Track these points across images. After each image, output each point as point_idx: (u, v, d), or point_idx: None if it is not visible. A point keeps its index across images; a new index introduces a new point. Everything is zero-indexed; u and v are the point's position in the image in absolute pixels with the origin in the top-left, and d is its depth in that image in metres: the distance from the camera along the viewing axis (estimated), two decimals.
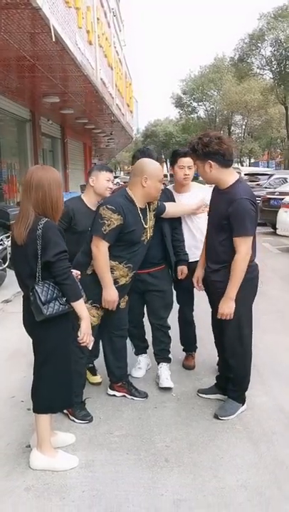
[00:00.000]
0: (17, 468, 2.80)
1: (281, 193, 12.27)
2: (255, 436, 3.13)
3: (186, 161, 3.79)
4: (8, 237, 6.57)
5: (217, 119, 48.05)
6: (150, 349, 4.10)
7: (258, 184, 16.83)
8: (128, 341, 3.82)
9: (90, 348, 2.89)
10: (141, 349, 4.14)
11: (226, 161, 3.13)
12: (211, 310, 3.53)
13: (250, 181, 17.83)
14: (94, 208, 3.52)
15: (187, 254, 3.88)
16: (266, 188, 14.89)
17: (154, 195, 3.33)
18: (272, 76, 36.59)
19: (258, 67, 37.82)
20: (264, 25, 33.84)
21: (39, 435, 2.81)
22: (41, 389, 2.78)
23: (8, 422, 3.33)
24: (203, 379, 3.95)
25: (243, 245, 3.06)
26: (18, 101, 12.67)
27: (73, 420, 3.29)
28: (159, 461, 2.86)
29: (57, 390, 2.78)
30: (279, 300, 6.34)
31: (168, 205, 3.64)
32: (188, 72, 58.15)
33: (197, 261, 3.67)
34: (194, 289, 3.76)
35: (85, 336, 2.76)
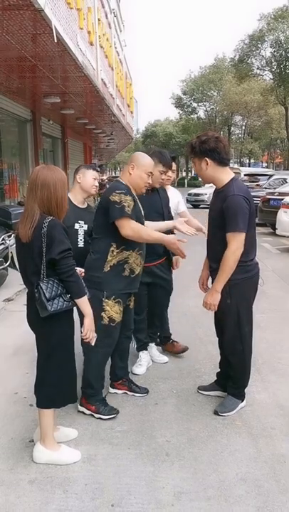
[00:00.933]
0: (21, 462, 2.86)
1: (281, 194, 12.32)
2: (255, 431, 3.18)
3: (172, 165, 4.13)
4: (9, 236, 6.62)
5: (217, 120, 48.20)
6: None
7: (257, 185, 16.91)
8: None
9: (93, 344, 2.94)
10: (143, 345, 4.21)
11: (222, 159, 3.20)
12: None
13: (250, 182, 17.94)
14: (80, 205, 3.75)
15: None
16: (266, 188, 14.94)
17: (140, 186, 3.35)
18: (272, 77, 36.71)
19: (258, 68, 37.93)
20: (264, 26, 33.96)
21: (42, 430, 2.87)
22: (44, 384, 2.83)
23: (11, 418, 3.38)
24: (203, 376, 4.00)
25: (233, 241, 3.09)
26: (18, 101, 12.71)
27: (100, 418, 3.32)
28: (160, 455, 2.92)
29: (60, 385, 2.83)
30: (279, 299, 6.40)
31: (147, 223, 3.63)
32: (189, 72, 58.48)
33: None
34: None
35: (88, 332, 2.82)
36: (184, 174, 60.84)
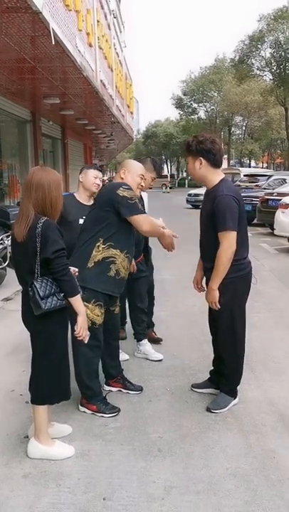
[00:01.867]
0: (15, 457, 2.92)
1: (279, 194, 12.37)
2: (246, 428, 3.24)
3: None
4: (8, 236, 6.68)
5: (217, 120, 48.23)
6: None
7: (257, 185, 16.94)
8: None
9: (86, 342, 3.00)
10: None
11: (215, 161, 3.28)
12: (207, 309, 3.62)
13: (250, 182, 17.98)
14: (85, 202, 3.99)
15: None
16: (265, 188, 14.97)
17: (133, 188, 3.41)
18: (272, 77, 36.74)
19: (257, 69, 37.96)
20: (264, 27, 34.00)
21: (37, 425, 2.93)
22: (38, 381, 2.89)
23: (7, 415, 3.44)
24: (197, 374, 4.05)
25: (224, 240, 3.16)
26: (18, 102, 12.79)
27: (102, 416, 3.37)
28: (152, 451, 2.98)
29: (54, 382, 2.89)
30: (276, 299, 6.45)
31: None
32: (189, 73, 58.27)
33: None
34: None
35: (82, 330, 2.88)
36: (184, 175, 60.92)
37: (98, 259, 3.27)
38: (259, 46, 35.65)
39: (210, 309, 3.51)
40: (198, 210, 3.61)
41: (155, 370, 4.16)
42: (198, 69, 52.76)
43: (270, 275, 7.92)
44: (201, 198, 3.73)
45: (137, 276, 4.23)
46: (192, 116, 52.56)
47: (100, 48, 12.65)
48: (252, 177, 18.82)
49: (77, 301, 2.82)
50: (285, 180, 15.12)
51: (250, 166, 47.51)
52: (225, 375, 3.55)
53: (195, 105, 51.21)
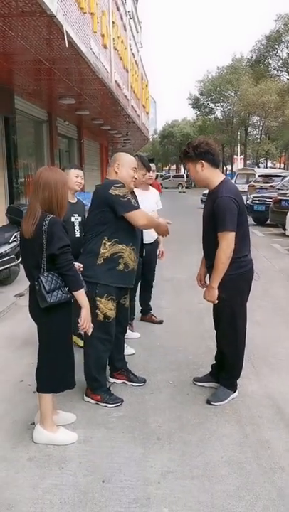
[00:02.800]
0: (22, 442, 3.09)
1: None
2: (243, 419, 3.36)
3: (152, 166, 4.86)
4: None
5: (234, 120, 48.00)
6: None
7: (271, 186, 16.95)
8: None
9: (90, 334, 3.15)
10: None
11: (214, 160, 3.42)
12: (212, 305, 3.72)
13: (264, 182, 18.00)
14: (71, 201, 4.14)
15: None
16: (279, 189, 14.98)
17: (127, 182, 3.54)
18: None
19: (274, 69, 37.82)
20: (281, 27, 33.89)
21: (42, 413, 3.09)
22: (44, 370, 3.05)
23: (15, 403, 3.61)
24: (200, 369, 4.18)
25: (223, 240, 3.29)
26: (35, 102, 13.03)
27: (106, 406, 3.52)
28: (152, 439, 3.12)
29: (58, 371, 3.04)
30: (283, 299, 6.53)
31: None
32: (206, 72, 58.18)
33: (150, 243, 4.83)
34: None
35: (85, 322, 3.03)
36: None
37: (107, 256, 3.43)
38: (276, 46, 35.60)
39: (214, 305, 3.63)
40: None
41: (159, 364, 4.30)
42: (215, 69, 52.73)
43: (280, 275, 7.99)
44: None
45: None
46: (209, 117, 52.45)
47: (116, 49, 12.80)
48: (267, 177, 18.84)
49: (81, 295, 2.97)
50: None
51: (266, 167, 47.20)
52: (225, 369, 3.67)
53: (212, 105, 51.05)
